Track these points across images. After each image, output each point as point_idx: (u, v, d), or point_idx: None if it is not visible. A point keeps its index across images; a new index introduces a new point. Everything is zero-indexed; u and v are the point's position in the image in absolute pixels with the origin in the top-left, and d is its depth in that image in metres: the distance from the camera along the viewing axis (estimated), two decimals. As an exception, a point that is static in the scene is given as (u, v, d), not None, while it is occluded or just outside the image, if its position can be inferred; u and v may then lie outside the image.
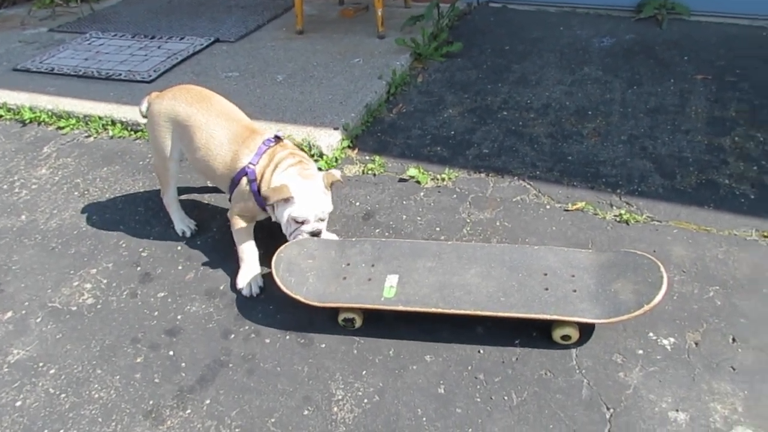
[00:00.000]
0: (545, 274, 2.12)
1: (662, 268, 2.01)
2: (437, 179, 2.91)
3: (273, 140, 2.38)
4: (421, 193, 2.83)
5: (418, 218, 2.68)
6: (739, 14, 4.30)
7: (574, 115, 3.30)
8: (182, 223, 2.69)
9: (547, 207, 2.66)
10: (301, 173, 2.29)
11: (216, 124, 2.40)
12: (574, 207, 2.64)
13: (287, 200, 2.25)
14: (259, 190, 2.32)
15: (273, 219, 2.38)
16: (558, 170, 2.88)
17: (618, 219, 2.55)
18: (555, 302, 2.02)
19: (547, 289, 2.07)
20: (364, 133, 3.32)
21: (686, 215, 2.53)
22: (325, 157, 3.08)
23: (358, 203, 2.81)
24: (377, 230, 2.64)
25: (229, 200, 2.46)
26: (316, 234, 2.32)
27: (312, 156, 3.08)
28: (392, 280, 2.17)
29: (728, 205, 2.56)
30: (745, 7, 4.28)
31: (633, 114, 3.27)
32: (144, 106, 2.56)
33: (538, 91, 3.57)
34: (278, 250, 2.28)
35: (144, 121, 2.65)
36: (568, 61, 3.89)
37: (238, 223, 2.42)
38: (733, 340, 2.01)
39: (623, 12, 4.55)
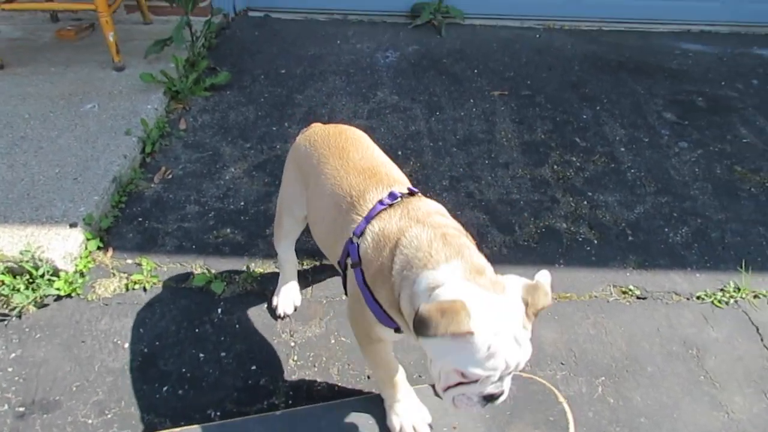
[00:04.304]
0: (420, 432, 1.55)
1: (561, 397, 1.59)
2: (237, 282, 2.15)
3: (398, 194, 1.37)
4: (219, 310, 2.05)
5: (223, 354, 1.91)
6: (509, 16, 4.22)
7: (384, 158, 2.78)
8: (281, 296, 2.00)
9: (387, 300, 2.10)
10: (479, 278, 1.17)
11: (330, 167, 1.51)
12: (420, 294, 2.11)
13: (458, 335, 1.10)
14: (365, 283, 1.29)
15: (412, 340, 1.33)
16: (385, 240, 2.33)
17: (472, 301, 2.09)
18: (444, 478, 1.46)
19: (429, 457, 1.50)
20: (119, 222, 2.38)
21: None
22: (63, 275, 2.09)
23: (127, 345, 1.93)
24: (165, 388, 1.81)
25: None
26: (492, 398, 1.22)
27: (41, 276, 2.07)
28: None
29: (577, 258, 2.27)
30: (512, 9, 4.21)
31: (446, 149, 2.86)
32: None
33: (335, 128, 2.97)
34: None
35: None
36: (358, 85, 3.35)
37: (367, 348, 1.46)
38: (641, 452, 1.68)
39: (398, 18, 4.18)
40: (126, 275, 2.15)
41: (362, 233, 1.34)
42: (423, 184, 2.62)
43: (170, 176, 2.62)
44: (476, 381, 1.18)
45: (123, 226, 2.36)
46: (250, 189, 2.56)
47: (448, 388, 1.23)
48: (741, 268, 2.21)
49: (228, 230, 2.36)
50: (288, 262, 1.98)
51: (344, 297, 2.08)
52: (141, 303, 2.06)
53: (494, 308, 1.13)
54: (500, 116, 3.12)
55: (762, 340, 1.97)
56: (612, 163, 2.79)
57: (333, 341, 1.94)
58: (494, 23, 4.18)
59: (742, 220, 2.45)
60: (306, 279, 2.15)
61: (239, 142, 2.85)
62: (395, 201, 1.36)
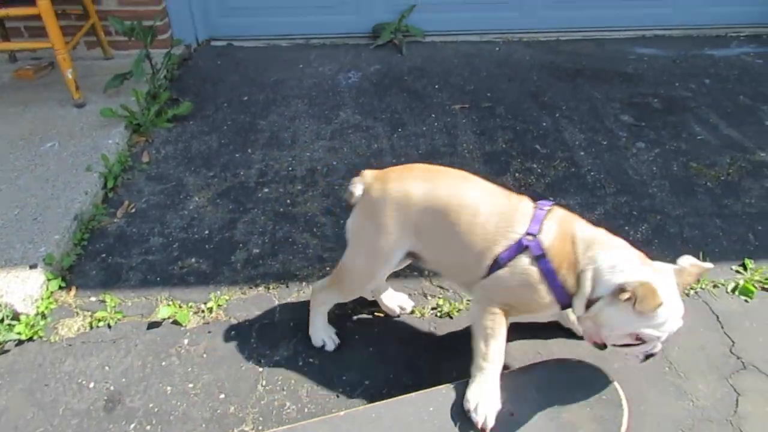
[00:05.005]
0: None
1: (610, 376, 1.67)
2: (203, 311, 2.13)
3: (545, 202, 1.70)
4: (186, 341, 2.03)
5: (190, 385, 1.89)
6: (468, 31, 4.30)
7: (348, 177, 2.77)
8: (324, 333, 1.99)
9: (354, 318, 2.10)
10: (650, 264, 1.57)
11: (469, 194, 1.69)
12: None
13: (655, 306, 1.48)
14: (554, 272, 1.59)
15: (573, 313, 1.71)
16: (351, 259, 2.34)
17: (438, 313, 2.10)
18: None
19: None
20: (82, 260, 2.36)
21: (507, 288, 2.19)
22: (23, 319, 2.06)
23: (92, 384, 1.90)
24: (132, 425, 1.78)
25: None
26: (651, 356, 1.63)
27: (0, 322, 2.04)
28: None
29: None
30: (472, 24, 4.29)
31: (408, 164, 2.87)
32: (359, 189, 1.78)
33: (297, 152, 2.99)
34: None
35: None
36: (321, 107, 3.38)
37: (494, 318, 1.66)
38: None
39: (360, 39, 4.23)
40: (90, 313, 2.13)
41: (540, 231, 1.61)
42: (387, 200, 2.63)
43: (133, 210, 2.61)
44: (644, 342, 1.55)
45: (86, 264, 2.33)
46: (214, 217, 2.56)
47: (621, 347, 1.61)
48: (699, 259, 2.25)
49: (193, 260, 2.35)
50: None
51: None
52: (106, 340, 2.04)
53: (667, 288, 1.50)
54: (462, 129, 3.16)
55: (722, 327, 2.00)
56: (572, 167, 2.84)
57: (301, 363, 1.94)
58: (454, 39, 4.25)
59: (699, 214, 2.50)
60: (272, 302, 2.15)
61: (203, 171, 2.85)
62: (549, 207, 1.67)
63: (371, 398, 1.81)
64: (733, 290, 2.13)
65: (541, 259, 1.59)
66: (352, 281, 1.84)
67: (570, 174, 2.78)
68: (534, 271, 1.59)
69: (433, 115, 3.29)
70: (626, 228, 2.44)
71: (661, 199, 2.60)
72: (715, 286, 2.16)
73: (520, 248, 1.61)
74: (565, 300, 1.62)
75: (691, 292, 2.14)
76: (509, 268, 1.62)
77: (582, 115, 3.27)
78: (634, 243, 2.24)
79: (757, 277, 2.18)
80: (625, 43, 4.21)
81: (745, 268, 2.23)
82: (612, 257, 1.55)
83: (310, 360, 1.94)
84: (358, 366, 1.92)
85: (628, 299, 1.46)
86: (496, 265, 1.64)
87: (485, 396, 1.63)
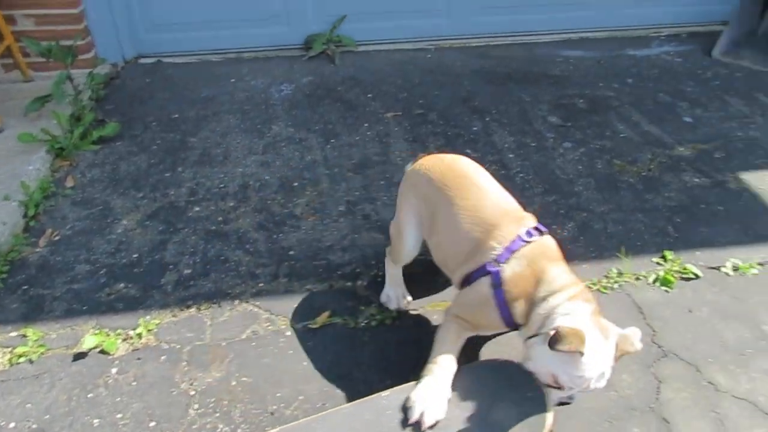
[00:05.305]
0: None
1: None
2: (131, 338, 2.07)
3: (533, 233, 1.70)
4: (114, 370, 1.97)
5: (119, 415, 1.82)
6: (401, 39, 4.34)
7: (280, 191, 2.77)
8: (391, 290, 2.15)
9: (288, 333, 2.08)
10: (597, 321, 1.57)
11: (461, 199, 1.79)
12: (321, 323, 2.11)
13: (572, 352, 1.48)
14: (506, 303, 1.66)
15: (520, 337, 1.71)
16: (284, 274, 2.32)
17: (374, 322, 2.11)
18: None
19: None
20: (0, 294, 2.25)
21: (442, 293, 2.22)
22: (-64, 359, 1.95)
23: (12, 424, 1.81)
24: (56, 462, 1.71)
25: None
26: (563, 404, 1.65)
27: None
28: None
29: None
30: (404, 32, 4.33)
31: (341, 175, 2.89)
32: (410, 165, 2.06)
33: (229, 168, 2.95)
34: None
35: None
36: (253, 122, 3.35)
37: (451, 327, 1.75)
38: None
39: (292, 51, 4.22)
40: (9, 349, 2.03)
41: (506, 261, 1.66)
42: (320, 212, 2.63)
43: (57, 238, 2.52)
44: (560, 388, 1.57)
45: (5, 298, 2.23)
46: (144, 240, 2.49)
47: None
48: (621, 253, 2.33)
49: (121, 285, 2.28)
50: (399, 269, 2.14)
51: (243, 337, 2.06)
52: (27, 376, 1.95)
53: (599, 346, 1.51)
54: (394, 137, 3.19)
55: (645, 318, 2.08)
56: (502, 169, 2.90)
57: (234, 383, 1.90)
58: (387, 47, 4.28)
59: (622, 209, 2.60)
60: (203, 323, 2.11)
61: (131, 193, 2.78)
62: (532, 239, 1.68)
63: (306, 413, 1.80)
64: (654, 281, 2.22)
65: (497, 288, 1.66)
66: (393, 244, 2.07)
67: (500, 176, 2.79)
68: (490, 297, 1.67)
69: (366, 125, 3.30)
70: (554, 226, 2.50)
71: (587, 197, 2.68)
72: (637, 279, 2.24)
73: (484, 272, 1.69)
74: (513, 326, 1.70)
75: (615, 285, 2.21)
76: (471, 287, 1.73)
77: (511, 118, 3.35)
78: (562, 241, 2.32)
79: (676, 268, 2.28)
80: (553, 46, 4.34)
81: (665, 260, 2.33)
82: (570, 307, 1.58)
83: (244, 379, 1.91)
84: (292, 381, 1.90)
85: (554, 337, 1.47)
86: (468, 279, 1.74)
87: (429, 397, 1.61)
